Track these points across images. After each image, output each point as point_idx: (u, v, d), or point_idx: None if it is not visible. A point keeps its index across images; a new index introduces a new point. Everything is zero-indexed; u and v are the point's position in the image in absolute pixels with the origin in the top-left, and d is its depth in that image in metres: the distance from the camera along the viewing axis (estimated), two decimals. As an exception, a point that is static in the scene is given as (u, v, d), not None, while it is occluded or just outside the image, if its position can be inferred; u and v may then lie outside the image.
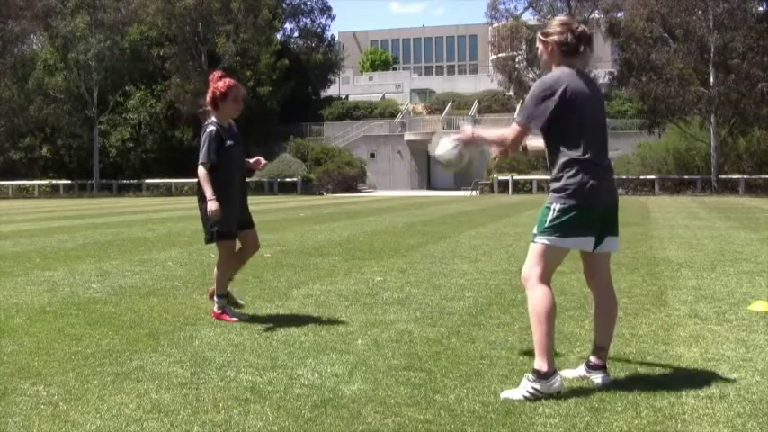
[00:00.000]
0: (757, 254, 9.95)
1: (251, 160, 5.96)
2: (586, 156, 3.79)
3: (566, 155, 3.80)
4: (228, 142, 5.59)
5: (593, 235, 3.85)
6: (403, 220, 17.37)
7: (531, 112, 3.82)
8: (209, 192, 5.50)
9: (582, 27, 3.92)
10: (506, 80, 47.61)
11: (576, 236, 3.81)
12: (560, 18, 4.02)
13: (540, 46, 3.98)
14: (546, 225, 3.82)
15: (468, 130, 4.10)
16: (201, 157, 5.54)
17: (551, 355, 3.75)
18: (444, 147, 4.11)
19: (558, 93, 3.75)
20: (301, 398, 3.70)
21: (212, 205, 5.48)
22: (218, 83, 5.58)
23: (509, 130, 3.94)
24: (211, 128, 5.59)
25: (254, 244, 5.93)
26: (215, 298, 5.79)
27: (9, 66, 49.14)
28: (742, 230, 13.93)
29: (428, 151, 4.24)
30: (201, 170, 5.54)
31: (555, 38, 3.88)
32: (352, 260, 9.45)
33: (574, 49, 3.88)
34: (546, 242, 3.82)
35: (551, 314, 3.77)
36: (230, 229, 5.69)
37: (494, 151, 4.15)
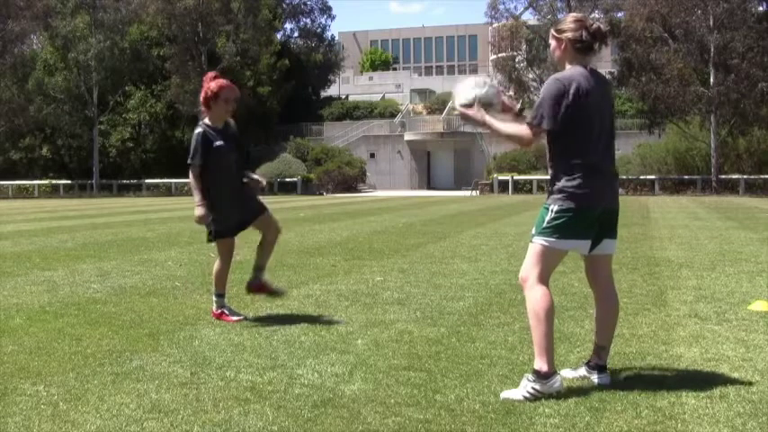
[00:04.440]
0: (757, 254, 9.95)
1: (253, 176, 5.91)
2: (589, 159, 3.77)
3: (568, 156, 3.77)
4: (217, 143, 5.55)
5: (590, 238, 3.85)
6: (403, 220, 17.37)
7: (545, 111, 3.72)
8: (196, 197, 5.56)
9: (597, 24, 3.85)
10: (506, 80, 47.56)
11: (574, 238, 3.80)
12: (575, 15, 3.93)
13: (552, 42, 3.91)
14: (544, 226, 3.81)
15: (478, 113, 3.90)
16: (189, 158, 5.59)
17: (551, 355, 3.75)
18: (462, 94, 3.96)
19: (572, 92, 3.71)
20: (301, 398, 3.70)
21: (197, 211, 5.56)
22: (211, 83, 5.57)
23: (522, 131, 3.81)
24: (198, 129, 5.59)
25: (274, 226, 5.81)
26: (213, 297, 5.79)
27: (9, 66, 49.12)
28: (742, 230, 13.92)
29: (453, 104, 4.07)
30: (191, 173, 5.59)
31: (569, 35, 3.82)
32: (352, 260, 9.44)
33: (588, 46, 3.82)
34: (544, 243, 3.82)
35: (550, 314, 3.76)
36: (226, 228, 5.69)
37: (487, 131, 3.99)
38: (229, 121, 5.75)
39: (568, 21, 3.88)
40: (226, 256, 5.77)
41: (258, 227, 5.81)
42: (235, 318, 5.64)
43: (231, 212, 5.67)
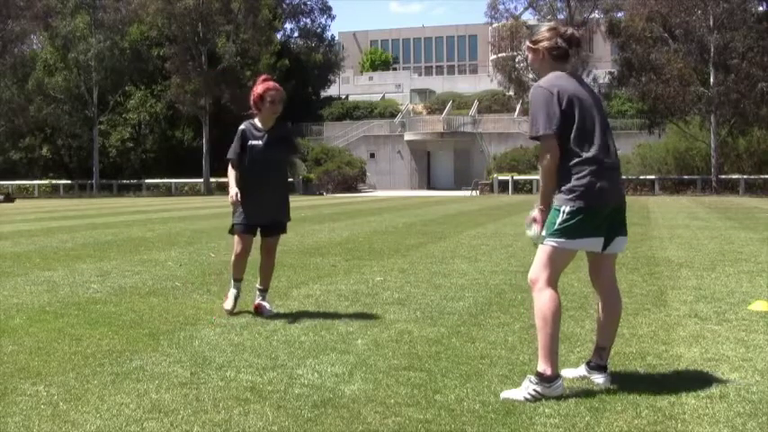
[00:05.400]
0: (757, 254, 9.95)
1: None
2: (593, 156, 3.77)
3: (572, 156, 3.78)
4: (252, 142, 5.77)
5: (602, 235, 3.84)
6: (403, 220, 17.37)
7: (538, 119, 3.75)
8: (230, 183, 5.82)
9: (570, 30, 3.95)
10: (506, 80, 47.66)
11: (585, 237, 3.79)
12: (548, 24, 4.08)
13: (530, 54, 4.01)
14: (555, 227, 3.80)
15: (532, 213, 3.92)
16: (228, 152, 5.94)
17: (555, 358, 3.73)
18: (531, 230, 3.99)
19: (558, 95, 3.75)
20: (301, 398, 3.70)
21: (230, 191, 5.76)
22: (258, 86, 5.81)
23: (543, 153, 3.77)
24: (241, 126, 5.88)
25: (271, 259, 5.98)
26: (231, 283, 5.91)
27: (9, 66, 49.19)
28: (742, 230, 13.93)
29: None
30: (229, 165, 5.89)
31: (545, 44, 3.90)
32: (352, 260, 9.45)
33: (564, 52, 3.91)
34: (554, 244, 3.80)
35: (557, 317, 3.75)
36: (240, 222, 5.81)
37: (537, 227, 3.91)
38: (286, 123, 5.91)
39: (543, 31, 3.98)
40: (240, 252, 5.86)
41: (262, 247, 5.95)
42: (229, 306, 5.76)
43: (251, 208, 5.78)
